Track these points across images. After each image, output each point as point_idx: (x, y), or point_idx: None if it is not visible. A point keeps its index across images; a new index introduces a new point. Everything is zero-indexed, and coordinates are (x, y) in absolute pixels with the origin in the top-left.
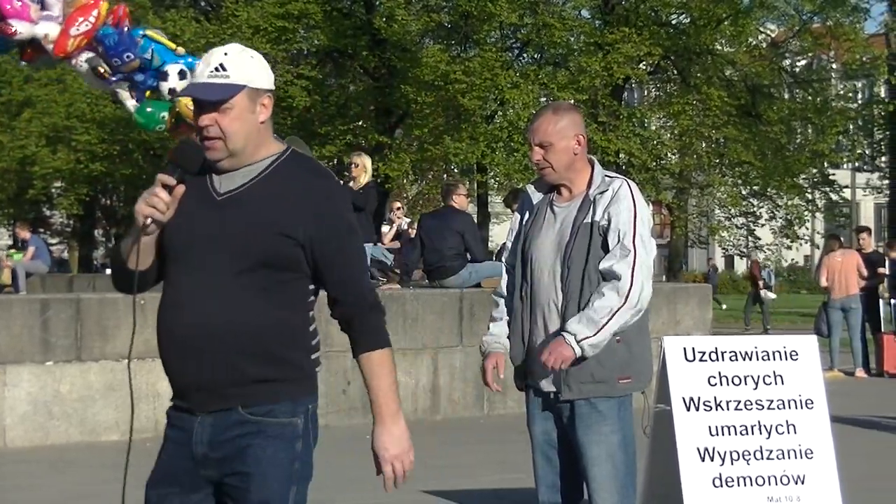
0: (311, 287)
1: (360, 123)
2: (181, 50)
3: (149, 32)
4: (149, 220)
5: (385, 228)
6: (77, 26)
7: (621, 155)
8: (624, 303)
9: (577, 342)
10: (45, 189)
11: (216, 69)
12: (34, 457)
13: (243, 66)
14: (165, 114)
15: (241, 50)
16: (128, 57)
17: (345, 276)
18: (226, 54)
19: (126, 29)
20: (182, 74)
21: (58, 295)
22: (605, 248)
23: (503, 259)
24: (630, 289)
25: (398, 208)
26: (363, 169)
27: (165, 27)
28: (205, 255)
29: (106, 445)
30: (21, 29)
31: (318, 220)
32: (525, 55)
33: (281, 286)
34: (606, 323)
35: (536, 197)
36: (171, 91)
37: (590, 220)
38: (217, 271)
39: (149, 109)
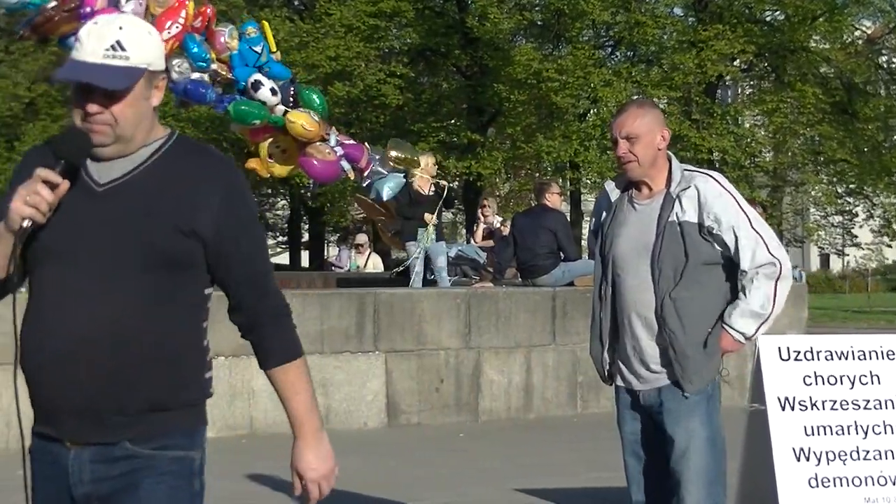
0: (207, 291)
1: (453, 121)
2: (278, 55)
3: (263, 25)
4: (27, 223)
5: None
6: (168, 30)
7: (715, 153)
8: (777, 279)
9: (748, 338)
10: None
11: (113, 47)
12: None
13: (143, 44)
14: (258, 121)
15: (136, 23)
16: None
17: (249, 274)
18: (121, 28)
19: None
20: (273, 92)
21: None
22: (709, 247)
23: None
24: (778, 265)
25: (488, 206)
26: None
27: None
28: (84, 255)
29: None
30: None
31: (219, 209)
32: (618, 53)
33: (174, 290)
34: (771, 311)
35: (615, 194)
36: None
37: (676, 219)
38: (99, 274)
39: (244, 107)
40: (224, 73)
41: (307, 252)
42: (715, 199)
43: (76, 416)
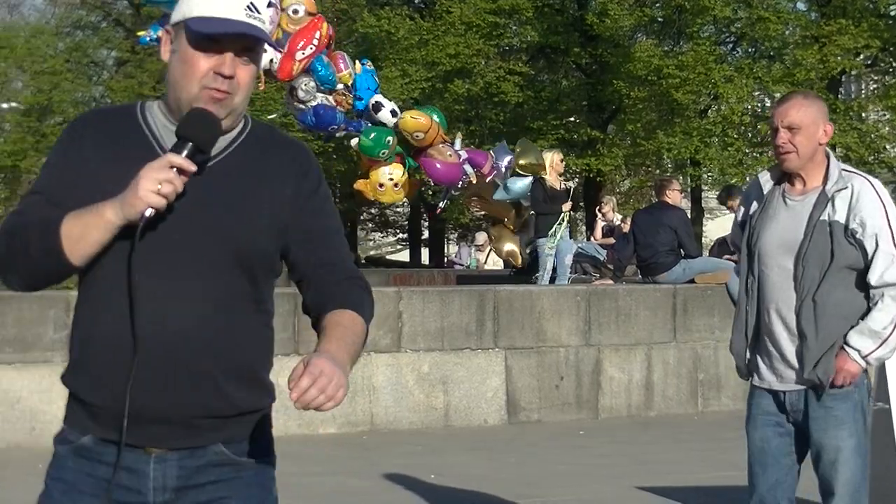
0: (275, 290)
1: (573, 119)
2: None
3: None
4: (150, 212)
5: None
6: (302, 50)
7: (838, 149)
8: None
9: (863, 357)
10: None
11: (249, 7)
12: None
13: (268, 12)
14: (391, 138)
15: None
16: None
17: (334, 256)
18: None
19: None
20: (394, 114)
21: (277, 289)
22: (854, 251)
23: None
24: None
25: (607, 203)
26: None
27: (380, 24)
28: (169, 246)
29: (323, 438)
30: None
31: (300, 195)
32: (739, 49)
33: (258, 286)
34: (891, 333)
35: (767, 186)
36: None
37: (827, 219)
38: (188, 267)
39: (373, 135)
40: (345, 95)
41: (427, 249)
42: (866, 203)
43: (163, 421)
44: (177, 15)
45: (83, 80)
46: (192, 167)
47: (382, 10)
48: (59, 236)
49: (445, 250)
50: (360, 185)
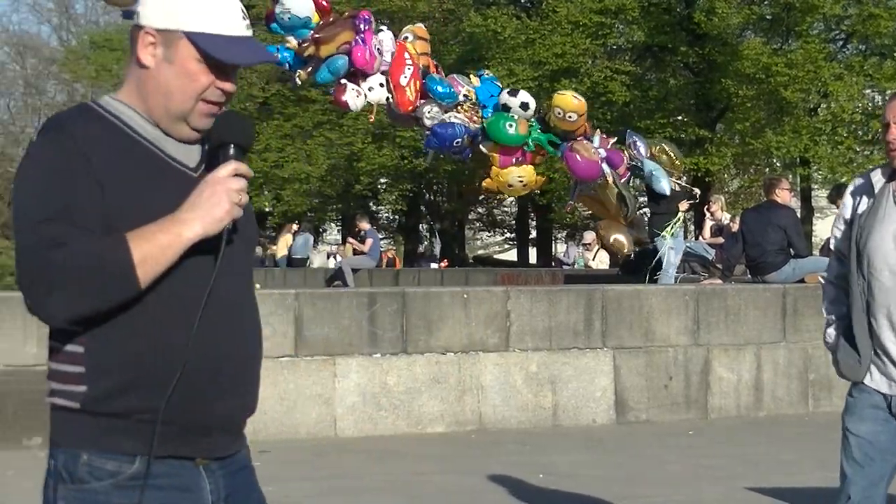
0: None
1: (680, 118)
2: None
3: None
4: (230, 224)
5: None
6: (403, 76)
7: None
8: None
9: None
10: (371, 185)
11: (243, 16)
12: (363, 446)
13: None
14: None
15: None
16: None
17: None
18: None
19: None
20: (524, 106)
21: (384, 289)
22: None
23: (832, 247)
24: None
25: (716, 203)
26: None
27: (486, 24)
28: (205, 255)
29: (431, 437)
30: (352, 104)
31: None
32: (849, 46)
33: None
34: None
35: (878, 184)
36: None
37: None
38: (228, 274)
39: (493, 119)
40: (473, 108)
41: (535, 249)
42: None
43: (221, 431)
44: (164, 20)
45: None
46: (250, 171)
47: (489, 9)
48: (132, 264)
49: (553, 249)
50: (488, 183)
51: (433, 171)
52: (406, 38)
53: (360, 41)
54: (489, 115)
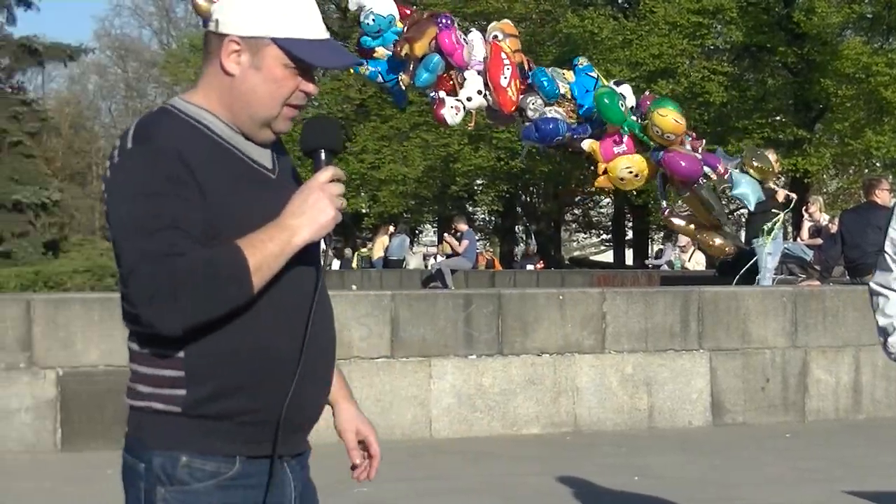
0: None
1: (779, 118)
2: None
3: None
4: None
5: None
6: (504, 76)
7: None
8: None
9: None
10: (467, 186)
11: (321, 20)
12: (458, 448)
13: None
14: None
15: None
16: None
17: None
18: None
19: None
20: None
21: (480, 290)
22: None
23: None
24: None
25: (814, 204)
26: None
27: (584, 24)
28: (297, 259)
29: (526, 438)
30: (451, 120)
31: None
32: None
33: None
34: None
35: None
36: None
37: None
38: (311, 276)
39: (607, 101)
40: (570, 102)
41: (631, 250)
42: None
43: (303, 428)
44: (251, 27)
45: None
46: (343, 175)
47: (586, 10)
48: (249, 273)
49: (649, 251)
50: (601, 181)
51: (529, 173)
52: (496, 36)
53: (444, 28)
54: (586, 110)
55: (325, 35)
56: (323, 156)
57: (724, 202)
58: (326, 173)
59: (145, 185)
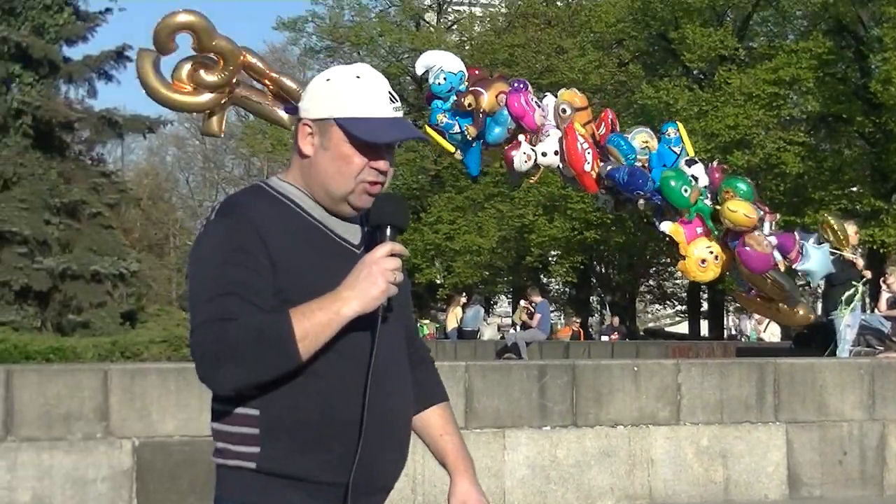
0: None
1: (855, 188)
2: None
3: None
4: (385, 301)
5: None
6: (586, 163)
7: None
8: None
9: None
10: (542, 257)
11: (391, 98)
12: None
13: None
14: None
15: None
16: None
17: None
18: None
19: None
20: (695, 179)
21: (554, 361)
22: None
23: None
24: None
25: (892, 275)
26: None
27: (659, 95)
28: (364, 328)
29: None
30: (517, 163)
31: None
32: None
33: None
34: None
35: None
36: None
37: None
38: (391, 345)
39: (672, 183)
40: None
41: (706, 321)
42: None
43: (379, 490)
44: (318, 110)
45: None
46: (407, 252)
47: (661, 81)
48: (294, 340)
49: (725, 321)
50: (682, 266)
51: (604, 243)
52: (563, 109)
53: (515, 91)
54: (663, 173)
55: (389, 114)
56: (389, 232)
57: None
58: (384, 249)
59: (216, 255)
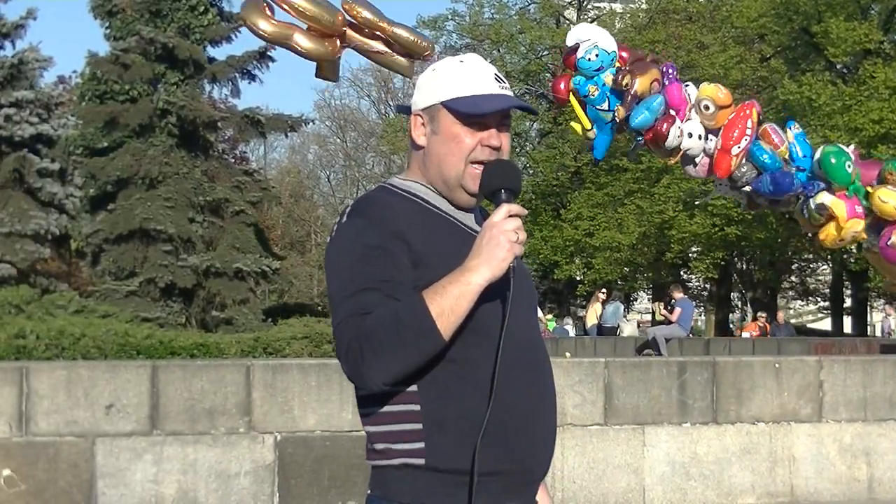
0: None
1: None
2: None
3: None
4: (514, 263)
5: None
6: (737, 144)
7: None
8: None
9: None
10: (682, 253)
11: (497, 78)
12: None
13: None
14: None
15: None
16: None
17: None
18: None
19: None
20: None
21: (694, 358)
22: None
23: None
24: None
25: None
26: None
27: (801, 91)
28: (511, 315)
29: None
30: (672, 138)
31: None
32: None
33: None
34: None
35: None
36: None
37: None
38: (526, 337)
39: (834, 160)
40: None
41: (850, 318)
42: None
43: (537, 478)
44: (426, 99)
45: None
46: (525, 211)
47: (804, 76)
48: (431, 318)
49: (869, 318)
50: (824, 233)
51: (745, 240)
52: (707, 107)
53: (670, 79)
54: (817, 185)
55: (495, 90)
56: (503, 195)
57: None
58: (502, 211)
59: (350, 254)
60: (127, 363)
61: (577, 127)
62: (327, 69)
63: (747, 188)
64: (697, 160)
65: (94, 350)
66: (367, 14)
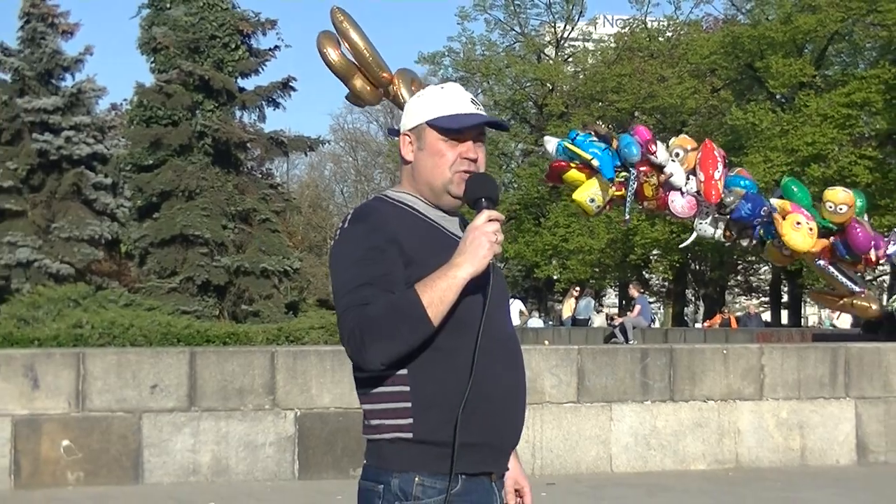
0: None
1: None
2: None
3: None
4: (492, 262)
5: None
6: (715, 170)
7: None
8: None
9: None
10: (644, 256)
11: (473, 102)
12: (635, 481)
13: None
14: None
15: None
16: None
17: None
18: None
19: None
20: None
21: (655, 345)
22: None
23: None
24: None
25: None
26: None
27: (746, 117)
28: (489, 307)
29: (694, 473)
30: (680, 210)
31: None
32: None
33: None
34: None
35: None
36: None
37: None
38: (502, 329)
39: (795, 189)
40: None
41: (786, 311)
42: None
43: (508, 450)
44: (413, 120)
45: (493, 167)
46: (502, 216)
47: (749, 104)
48: (423, 306)
49: (802, 311)
50: (778, 225)
51: (700, 245)
52: (677, 153)
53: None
54: (782, 180)
55: (471, 110)
56: (484, 203)
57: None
58: (483, 216)
59: (352, 255)
60: (169, 349)
61: (582, 199)
62: (361, 101)
63: (727, 216)
64: (684, 190)
65: (141, 338)
66: (353, 35)
